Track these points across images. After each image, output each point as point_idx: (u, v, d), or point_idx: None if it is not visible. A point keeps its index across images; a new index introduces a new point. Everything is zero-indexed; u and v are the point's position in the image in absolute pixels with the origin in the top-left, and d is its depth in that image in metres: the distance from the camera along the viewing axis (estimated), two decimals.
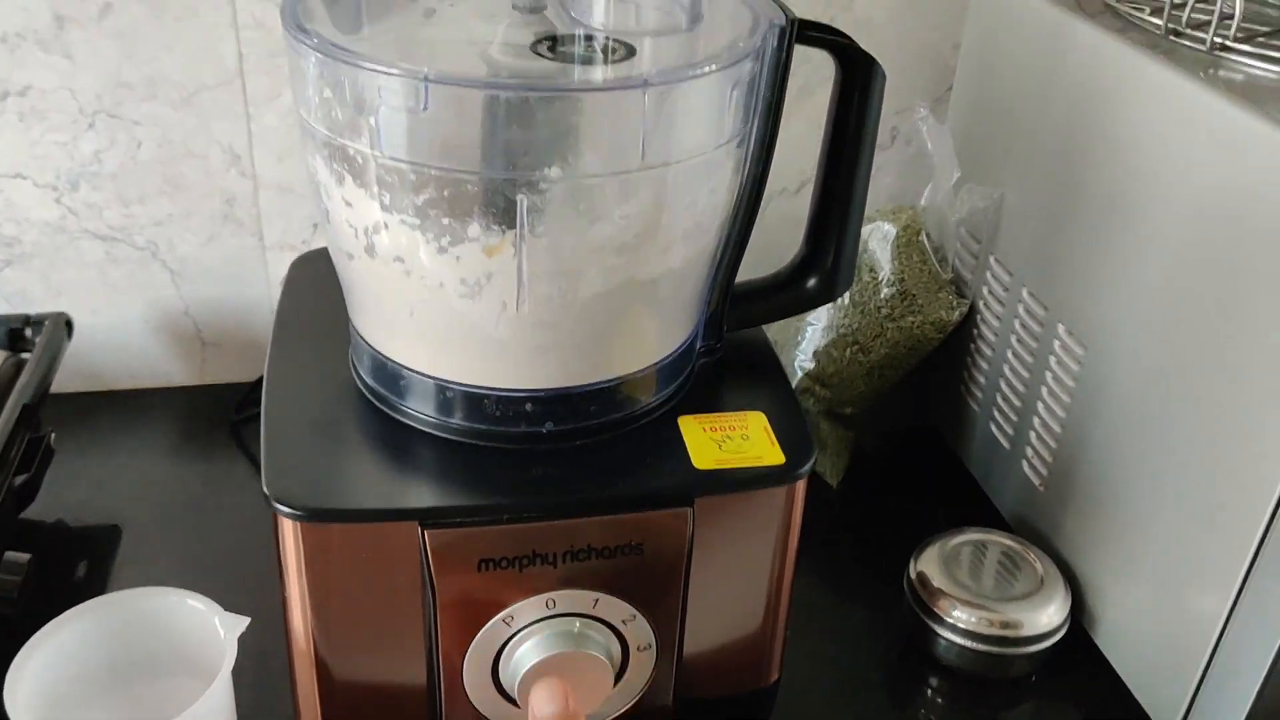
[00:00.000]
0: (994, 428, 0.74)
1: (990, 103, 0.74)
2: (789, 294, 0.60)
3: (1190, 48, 0.58)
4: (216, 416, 0.82)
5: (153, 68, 0.73)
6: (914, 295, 0.76)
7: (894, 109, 0.86)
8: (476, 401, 0.51)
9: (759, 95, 0.50)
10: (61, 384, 0.75)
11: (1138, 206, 0.59)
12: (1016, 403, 0.71)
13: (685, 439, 0.53)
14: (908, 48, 0.83)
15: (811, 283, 0.60)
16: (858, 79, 0.54)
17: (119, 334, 0.82)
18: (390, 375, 0.53)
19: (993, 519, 0.74)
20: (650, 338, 0.53)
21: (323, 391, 0.56)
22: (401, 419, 0.53)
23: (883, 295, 0.76)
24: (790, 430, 0.55)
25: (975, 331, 0.76)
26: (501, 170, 0.44)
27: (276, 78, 0.75)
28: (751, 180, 0.53)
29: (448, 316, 0.49)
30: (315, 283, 0.62)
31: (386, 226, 0.47)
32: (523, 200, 0.45)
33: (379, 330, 0.52)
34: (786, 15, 0.51)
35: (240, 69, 0.74)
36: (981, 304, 0.75)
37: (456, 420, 0.52)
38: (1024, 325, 0.70)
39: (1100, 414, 0.63)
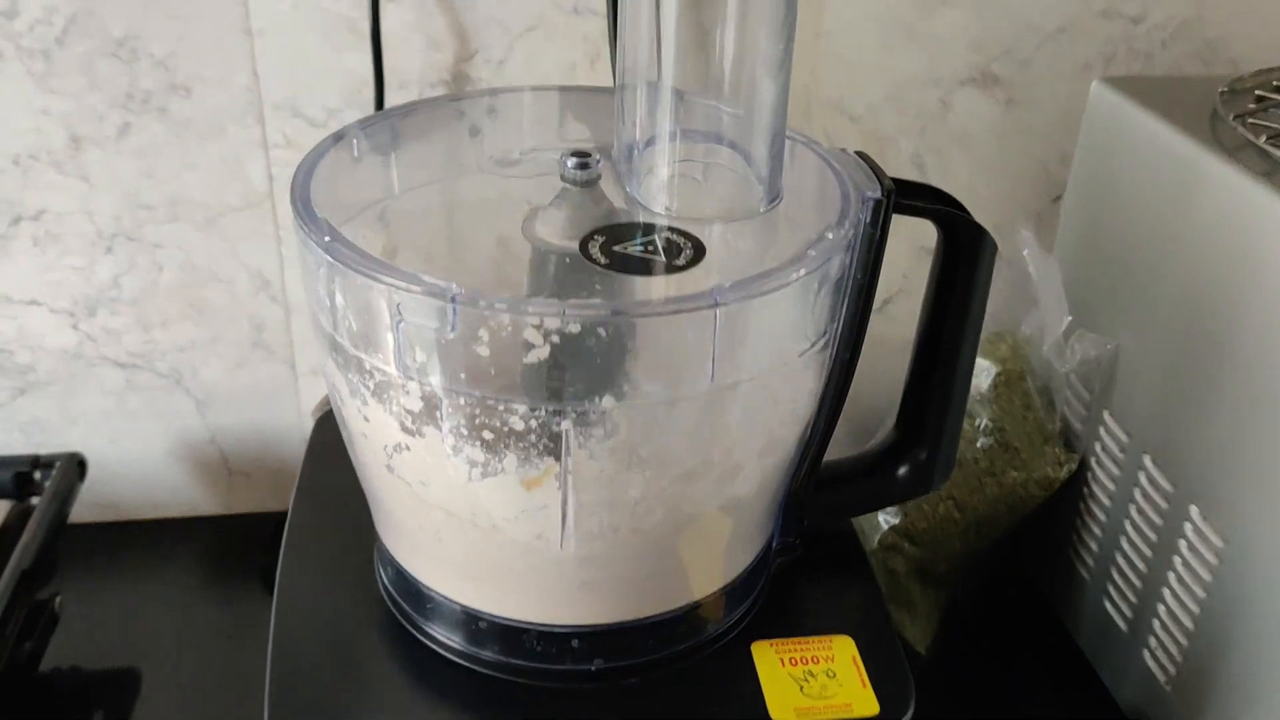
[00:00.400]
0: (1108, 604, 0.65)
1: (1105, 238, 0.65)
2: (878, 482, 0.52)
3: None
4: (244, 549, 0.76)
5: (174, 188, 0.67)
6: (1016, 448, 0.67)
7: (991, 222, 0.77)
8: (514, 635, 0.44)
9: (849, 282, 0.42)
10: (77, 514, 0.69)
11: None
12: (1136, 582, 0.62)
13: (760, 676, 0.45)
14: (1007, 157, 0.75)
15: (903, 471, 0.51)
16: (965, 250, 0.46)
17: (139, 464, 0.76)
18: (415, 594, 0.45)
19: (1104, 702, 0.65)
20: (717, 562, 0.45)
21: (342, 595, 0.49)
22: (428, 643, 0.45)
23: (980, 445, 0.67)
24: (884, 661, 0.46)
25: (1085, 490, 0.67)
26: (545, 400, 0.37)
27: None
28: (839, 372, 0.45)
29: (479, 547, 0.41)
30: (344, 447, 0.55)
31: (409, 449, 0.40)
32: (569, 431, 0.37)
33: (403, 545, 0.45)
34: (883, 184, 0.43)
35: (270, 190, 0.68)
36: (1093, 460, 0.66)
37: (490, 654, 0.44)
38: (1146, 497, 0.61)
39: (1246, 619, 0.53)
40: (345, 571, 0.50)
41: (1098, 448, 0.66)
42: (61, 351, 0.71)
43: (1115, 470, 0.64)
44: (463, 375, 0.37)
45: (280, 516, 0.77)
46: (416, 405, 0.38)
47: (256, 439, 0.76)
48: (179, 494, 0.77)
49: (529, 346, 0.35)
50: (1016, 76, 0.72)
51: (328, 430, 0.58)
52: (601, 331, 0.35)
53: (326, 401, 0.73)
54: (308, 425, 0.76)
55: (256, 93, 0.65)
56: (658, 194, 0.41)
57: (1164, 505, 0.59)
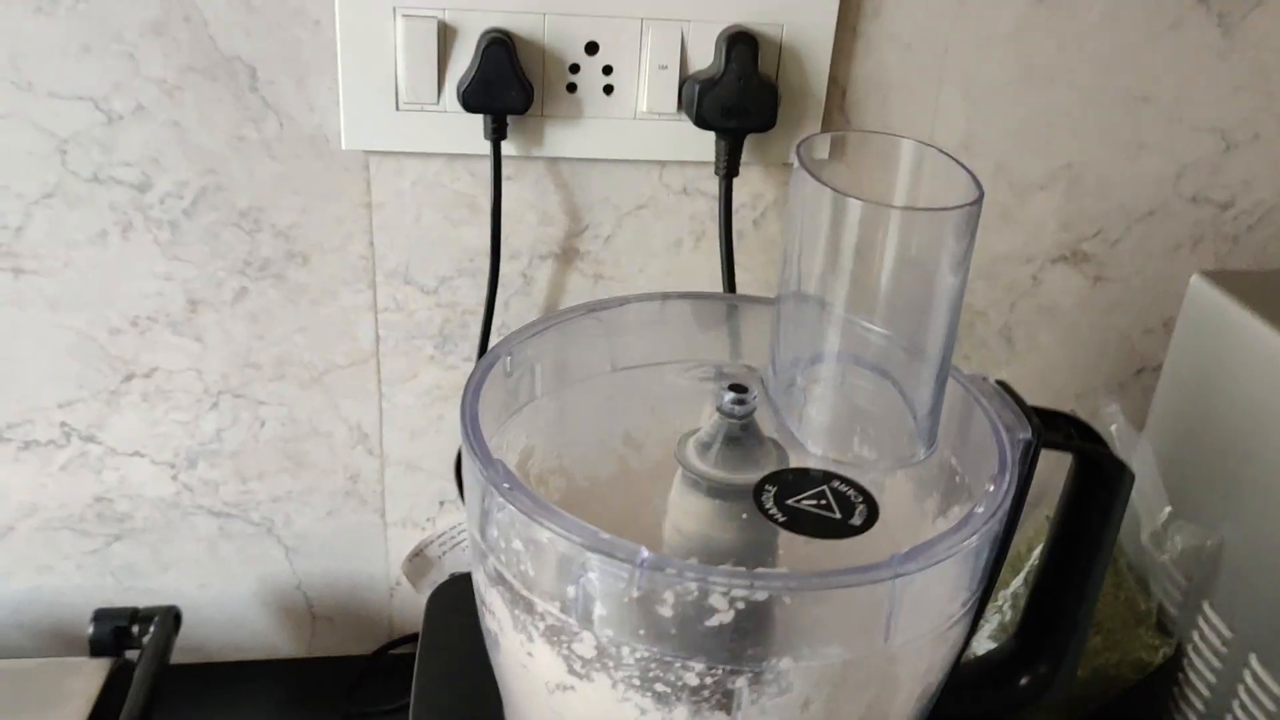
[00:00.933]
0: None
1: (1202, 426, 0.66)
2: (1001, 691, 0.52)
3: None
4: (327, 690, 0.76)
5: (283, 349, 0.68)
6: (1109, 630, 0.67)
7: (1073, 393, 0.79)
8: None
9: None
10: None
11: None
12: None
13: None
14: (1090, 329, 0.76)
15: (1024, 681, 0.52)
16: (1104, 483, 0.47)
17: (225, 608, 0.76)
18: None
19: None
20: None
21: None
22: None
23: None
24: None
25: (1182, 675, 0.67)
26: (723, 660, 0.37)
27: (414, 359, 0.70)
28: (979, 599, 0.45)
29: None
30: (459, 628, 0.56)
31: (574, 689, 0.40)
32: (743, 689, 0.37)
33: None
34: (1031, 423, 0.43)
35: (376, 350, 0.69)
36: (1190, 648, 0.66)
37: None
38: (1252, 697, 0.61)
39: None
40: None
41: (1195, 636, 0.66)
42: (159, 500, 0.71)
43: (1216, 663, 0.64)
44: (641, 631, 0.37)
45: (361, 660, 0.78)
46: (590, 653, 0.39)
47: (344, 585, 0.77)
48: (262, 638, 0.78)
49: (713, 611, 0.36)
50: (1107, 255, 0.73)
51: (443, 609, 0.59)
52: (786, 599, 0.36)
53: (421, 557, 0.74)
54: (395, 573, 0.76)
55: (371, 260, 0.66)
56: (817, 435, 0.42)
57: (1273, 708, 0.59)
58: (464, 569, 0.77)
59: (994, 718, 0.53)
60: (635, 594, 0.36)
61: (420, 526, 0.75)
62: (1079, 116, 0.68)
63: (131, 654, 0.67)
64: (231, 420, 0.70)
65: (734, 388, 0.44)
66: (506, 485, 0.39)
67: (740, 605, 0.36)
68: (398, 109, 0.61)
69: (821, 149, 0.42)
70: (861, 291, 0.42)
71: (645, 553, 0.36)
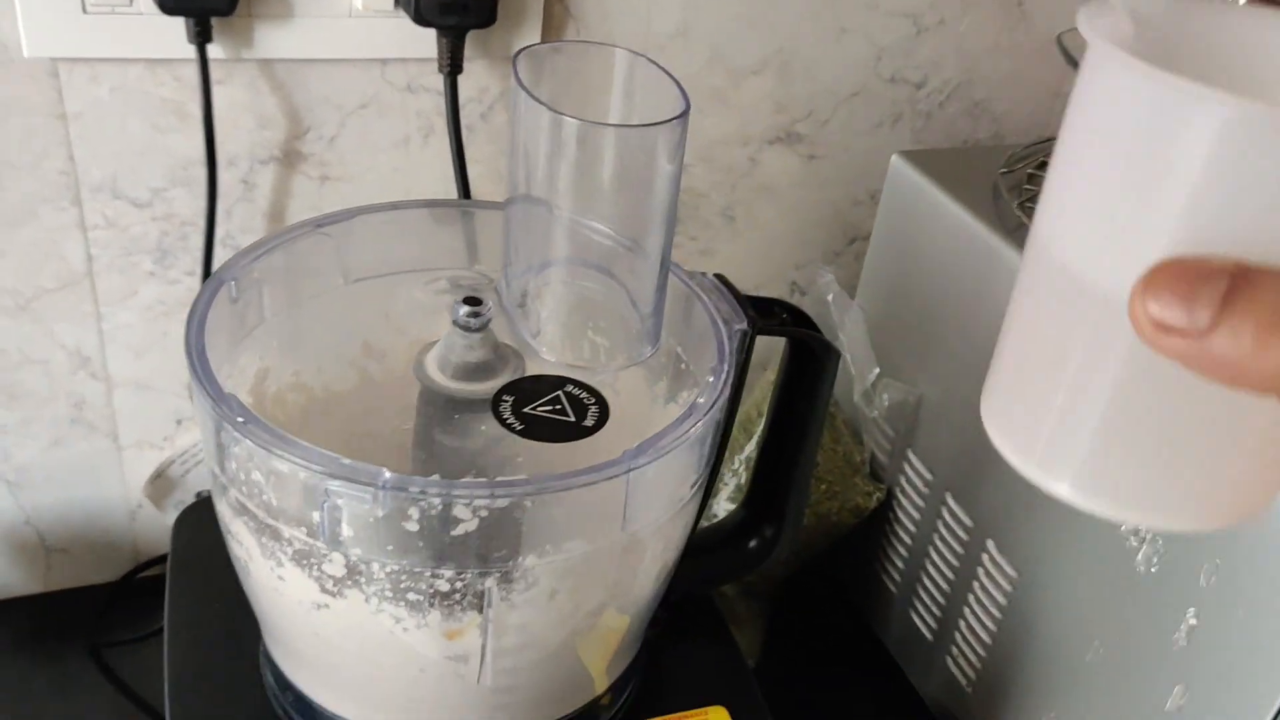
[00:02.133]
0: (914, 615, 0.74)
1: (905, 295, 0.73)
2: (732, 554, 0.57)
3: None
4: (69, 626, 0.73)
5: None
6: (829, 481, 0.74)
7: (792, 264, 0.84)
8: None
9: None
10: None
11: None
12: (940, 599, 0.71)
13: None
14: (805, 204, 0.81)
15: (753, 544, 0.57)
16: (816, 364, 0.51)
17: None
18: (313, 712, 0.47)
19: (911, 699, 0.74)
20: (616, 659, 0.49)
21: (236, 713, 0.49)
22: None
23: None
24: None
25: (892, 515, 0.75)
26: (470, 564, 0.39)
27: (132, 275, 0.66)
28: (707, 477, 0.49)
29: (392, 683, 0.43)
30: (208, 549, 0.55)
31: (328, 607, 0.41)
32: (492, 589, 0.40)
33: (301, 671, 0.46)
34: (747, 314, 0.47)
35: (89, 270, 0.65)
36: (899, 491, 0.74)
37: None
38: (948, 528, 0.69)
39: (1034, 638, 0.63)
40: (235, 686, 0.50)
41: (902, 480, 0.74)
42: None
43: (920, 502, 0.72)
44: (390, 547, 0.39)
45: (106, 588, 0.75)
46: (340, 571, 0.40)
47: (78, 515, 0.73)
48: None
49: (458, 521, 0.38)
50: (818, 134, 0.78)
51: (190, 530, 0.58)
52: (528, 503, 0.38)
53: (163, 478, 0.71)
54: (135, 496, 0.74)
55: (73, 175, 0.62)
56: (551, 343, 0.44)
57: (964, 537, 0.68)
58: (209, 486, 0.75)
59: (728, 578, 0.58)
60: (380, 514, 0.37)
61: (158, 447, 0.73)
62: (788, 3, 0.71)
63: None
64: None
65: (469, 300, 0.45)
66: (240, 419, 0.38)
67: (484, 514, 0.38)
68: (85, 11, 0.56)
69: (538, 61, 0.42)
70: (584, 197, 0.43)
71: (387, 474, 0.37)
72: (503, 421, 0.41)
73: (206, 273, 0.65)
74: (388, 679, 0.43)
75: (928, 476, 0.71)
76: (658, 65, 0.42)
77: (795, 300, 0.84)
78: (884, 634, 0.78)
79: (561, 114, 0.39)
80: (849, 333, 0.76)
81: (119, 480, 0.73)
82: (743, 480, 0.75)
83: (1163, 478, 0.28)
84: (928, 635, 0.72)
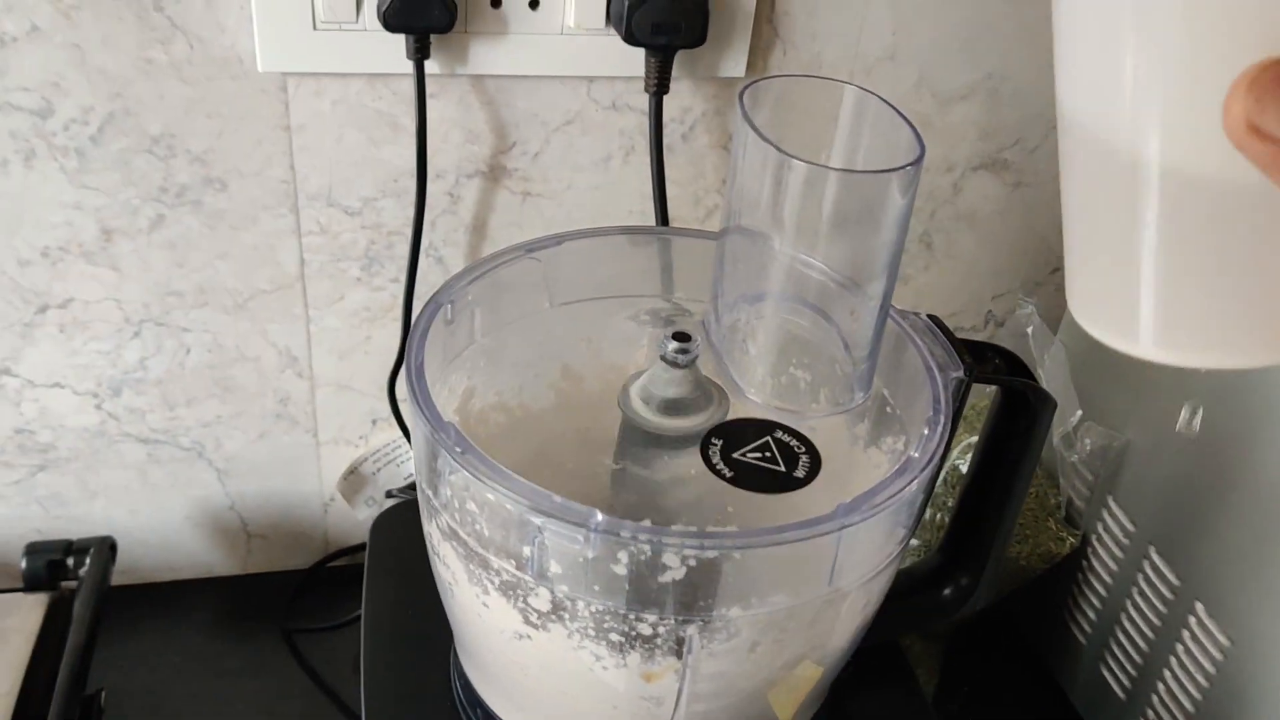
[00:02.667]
0: (1105, 671, 0.70)
1: None
2: (925, 599, 0.55)
3: None
4: (264, 607, 0.77)
5: (205, 275, 0.66)
6: (1020, 523, 0.71)
7: (990, 293, 0.81)
8: None
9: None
10: None
11: None
12: (1136, 658, 0.67)
13: None
14: (1007, 232, 0.78)
15: (948, 592, 0.55)
16: (1030, 412, 0.49)
17: (158, 531, 0.76)
18: None
19: None
20: (807, 704, 0.48)
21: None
22: None
23: None
24: None
25: (1085, 564, 0.72)
26: (675, 612, 0.39)
27: (340, 281, 0.68)
28: (913, 530, 0.48)
29: (584, 714, 0.44)
30: (404, 554, 0.57)
31: (529, 638, 0.41)
32: (694, 636, 0.39)
33: (495, 694, 0.47)
34: (963, 361, 0.45)
35: (301, 274, 0.67)
36: (1095, 539, 0.71)
37: None
38: (1149, 583, 0.65)
39: (1247, 715, 0.58)
40: (426, 692, 0.52)
41: (1100, 527, 0.70)
42: (83, 430, 0.70)
43: (1118, 553, 0.68)
44: (596, 587, 0.39)
45: (298, 575, 0.79)
46: (545, 606, 0.40)
47: (277, 504, 0.77)
48: (196, 558, 0.78)
49: (665, 568, 0.37)
50: (1025, 162, 0.75)
51: (387, 533, 0.60)
52: (736, 554, 0.37)
53: (355, 474, 0.74)
54: (329, 490, 0.77)
55: (292, 184, 0.64)
56: (760, 384, 0.43)
57: (1169, 596, 0.64)
58: (398, 484, 0.77)
59: (920, 626, 0.57)
60: (590, 555, 0.37)
61: (353, 444, 0.75)
62: (1000, 28, 0.68)
63: (68, 583, 0.67)
64: (155, 348, 0.68)
65: (677, 335, 0.44)
66: (459, 449, 0.39)
67: (691, 563, 0.37)
68: (315, 29, 0.59)
69: (762, 94, 0.41)
70: (805, 235, 0.42)
71: (599, 516, 0.37)
72: (712, 467, 0.40)
73: (411, 282, 0.67)
74: (581, 713, 0.43)
75: (1129, 527, 0.67)
76: (890, 105, 0.41)
77: (991, 331, 0.81)
78: (1069, 686, 0.74)
79: (790, 155, 0.38)
80: (1050, 370, 0.73)
81: (316, 474, 0.76)
82: (929, 516, 0.73)
83: (1233, 311, 0.29)
84: (1120, 694, 0.69)
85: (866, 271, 0.41)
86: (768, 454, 0.41)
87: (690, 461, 0.42)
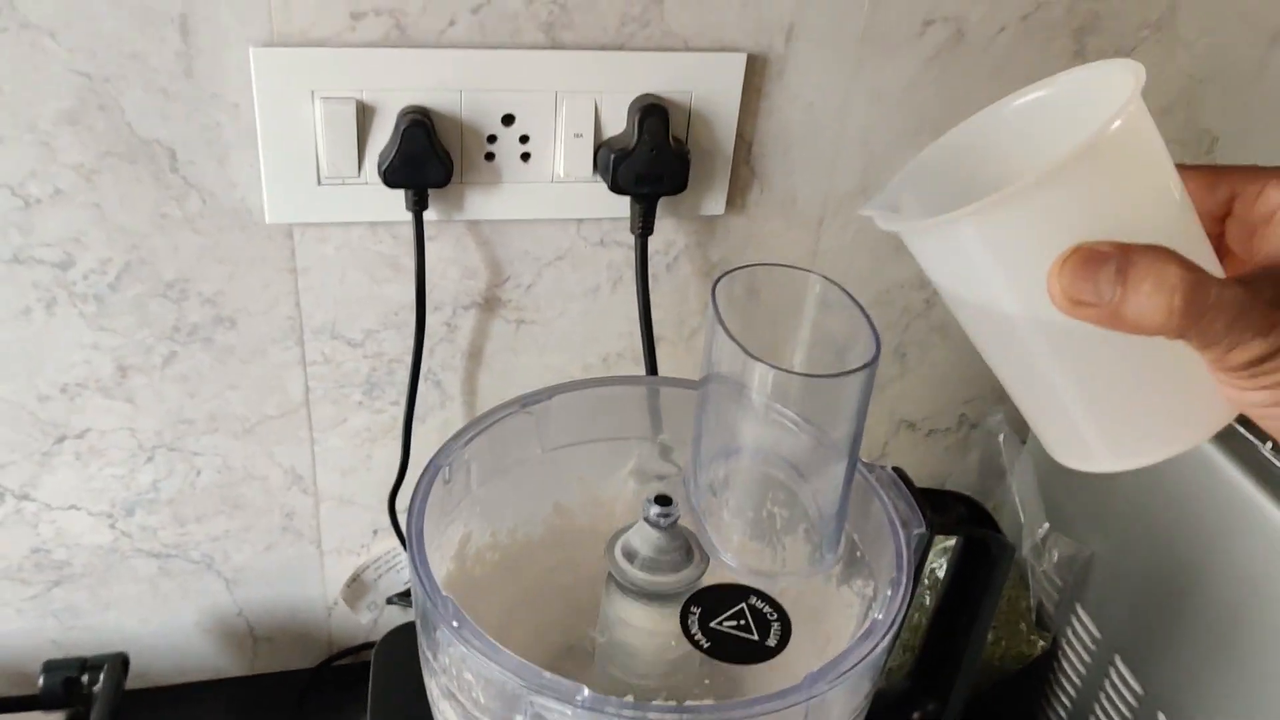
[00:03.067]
0: None
1: None
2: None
3: None
4: (273, 707, 0.80)
5: (215, 405, 0.70)
6: (995, 626, 0.75)
7: (962, 398, 0.85)
8: None
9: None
10: None
11: (1255, 651, 0.58)
12: None
13: None
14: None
15: (916, 716, 0.58)
16: (988, 558, 0.53)
17: (169, 638, 0.79)
18: None
19: None
20: None
21: None
22: None
23: None
24: None
25: (1057, 664, 0.75)
26: None
27: (343, 405, 0.72)
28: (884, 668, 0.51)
29: None
30: (406, 679, 0.60)
31: None
32: None
33: None
34: (926, 520, 0.49)
35: (306, 400, 0.71)
36: (1065, 642, 0.74)
37: None
38: (1115, 691, 0.69)
39: None
40: None
41: (1069, 632, 0.73)
42: (97, 547, 0.73)
43: (1086, 658, 0.72)
44: None
45: (305, 673, 0.82)
46: None
47: (284, 609, 0.80)
48: (206, 660, 0.81)
49: None
50: None
51: (389, 656, 0.63)
52: None
53: (358, 582, 0.77)
54: (332, 595, 0.80)
55: (298, 320, 0.68)
56: (736, 550, 0.46)
57: (1133, 704, 0.67)
58: (398, 589, 0.81)
59: None
60: None
61: (355, 553, 0.79)
62: None
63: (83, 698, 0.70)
64: (168, 472, 0.72)
65: (659, 499, 0.48)
66: (455, 624, 0.42)
67: None
68: (319, 184, 0.62)
69: (734, 284, 0.45)
70: (771, 416, 0.46)
71: (586, 692, 0.40)
72: (690, 638, 0.44)
73: (410, 404, 0.71)
74: None
75: (1096, 634, 0.71)
76: (851, 297, 0.45)
77: (965, 434, 0.85)
78: None
79: (753, 357, 0.42)
80: (1018, 479, 0.76)
81: (320, 581, 0.79)
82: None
83: (1155, 412, 0.37)
84: None
85: (831, 449, 0.45)
86: (742, 622, 0.45)
87: (670, 627, 0.45)
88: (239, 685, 0.82)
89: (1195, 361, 0.35)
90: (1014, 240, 0.34)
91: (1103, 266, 0.31)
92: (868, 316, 0.43)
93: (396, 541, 0.78)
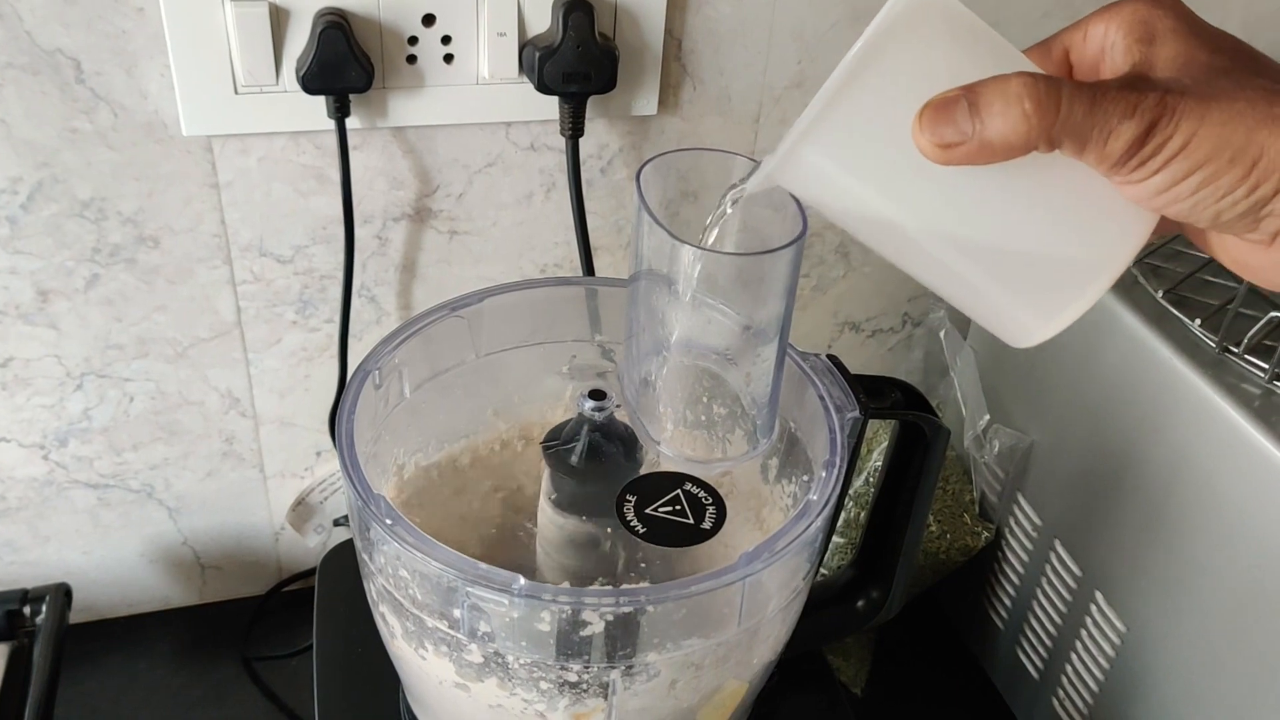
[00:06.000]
0: (1020, 653, 0.75)
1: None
2: (840, 611, 0.59)
3: (1249, 371, 0.57)
4: (223, 636, 0.79)
5: (143, 328, 0.68)
6: (940, 520, 0.76)
7: (905, 296, 0.85)
8: None
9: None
10: None
11: (1184, 527, 0.59)
12: (1047, 641, 0.72)
13: None
14: None
15: (860, 604, 0.59)
16: (927, 441, 0.53)
17: (113, 570, 0.78)
18: None
19: None
20: (738, 713, 0.51)
21: None
22: None
23: None
24: None
25: (1000, 554, 0.76)
26: (596, 659, 0.42)
27: (277, 325, 0.71)
28: (818, 561, 0.51)
29: None
30: (351, 591, 0.59)
31: (466, 688, 0.45)
32: (617, 680, 0.43)
33: None
34: (859, 403, 0.49)
35: (239, 320, 0.70)
36: (1007, 531, 0.75)
37: None
38: (1056, 573, 0.70)
39: (1144, 692, 0.63)
40: None
41: (1011, 522, 0.75)
42: (31, 480, 0.72)
43: (1028, 545, 0.73)
44: (524, 642, 0.42)
45: (254, 601, 0.81)
46: (478, 660, 0.43)
47: (230, 536, 0.79)
48: (153, 591, 0.80)
49: (585, 623, 0.41)
50: None
51: (334, 571, 0.63)
52: (650, 608, 0.41)
53: (303, 505, 0.77)
54: (278, 520, 0.79)
55: (224, 237, 0.66)
56: (671, 440, 0.46)
57: (1072, 585, 0.69)
58: (345, 511, 0.80)
59: (836, 636, 0.61)
60: (515, 615, 0.41)
61: (299, 476, 0.78)
62: None
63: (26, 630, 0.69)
64: (99, 399, 0.70)
65: (594, 394, 0.47)
66: (389, 521, 0.42)
67: (609, 617, 0.41)
68: (236, 93, 0.60)
69: (661, 171, 0.44)
70: (703, 288, 0.45)
71: (521, 581, 0.40)
72: (626, 524, 0.44)
73: (345, 322, 0.69)
74: None
75: (1037, 521, 0.72)
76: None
77: (908, 333, 0.85)
78: (991, 669, 0.79)
79: (679, 240, 0.41)
80: (961, 373, 0.77)
81: (265, 506, 0.79)
82: (850, 514, 0.77)
83: (1062, 264, 0.37)
84: (1034, 674, 0.74)
85: (761, 331, 0.45)
86: (678, 507, 0.45)
87: (607, 517, 0.45)
88: (188, 615, 0.81)
89: (1088, 183, 0.35)
90: (855, 143, 0.35)
91: (954, 106, 0.33)
92: (794, 196, 0.43)
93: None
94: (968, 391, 0.75)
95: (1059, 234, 0.37)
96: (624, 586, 0.40)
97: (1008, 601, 0.76)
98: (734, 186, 0.41)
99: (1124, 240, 0.37)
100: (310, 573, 0.82)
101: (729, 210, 0.41)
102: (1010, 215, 0.36)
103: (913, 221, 0.36)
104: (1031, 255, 0.37)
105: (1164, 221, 0.37)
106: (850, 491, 0.76)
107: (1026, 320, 0.39)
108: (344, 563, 0.64)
